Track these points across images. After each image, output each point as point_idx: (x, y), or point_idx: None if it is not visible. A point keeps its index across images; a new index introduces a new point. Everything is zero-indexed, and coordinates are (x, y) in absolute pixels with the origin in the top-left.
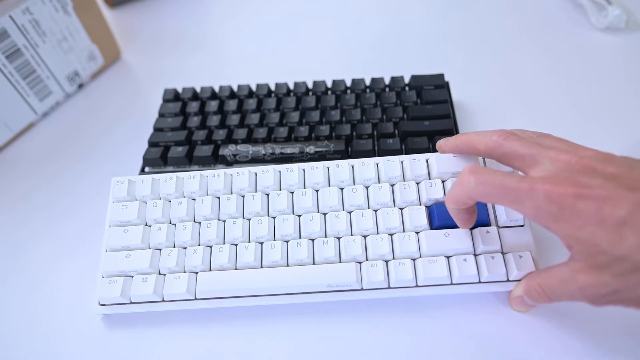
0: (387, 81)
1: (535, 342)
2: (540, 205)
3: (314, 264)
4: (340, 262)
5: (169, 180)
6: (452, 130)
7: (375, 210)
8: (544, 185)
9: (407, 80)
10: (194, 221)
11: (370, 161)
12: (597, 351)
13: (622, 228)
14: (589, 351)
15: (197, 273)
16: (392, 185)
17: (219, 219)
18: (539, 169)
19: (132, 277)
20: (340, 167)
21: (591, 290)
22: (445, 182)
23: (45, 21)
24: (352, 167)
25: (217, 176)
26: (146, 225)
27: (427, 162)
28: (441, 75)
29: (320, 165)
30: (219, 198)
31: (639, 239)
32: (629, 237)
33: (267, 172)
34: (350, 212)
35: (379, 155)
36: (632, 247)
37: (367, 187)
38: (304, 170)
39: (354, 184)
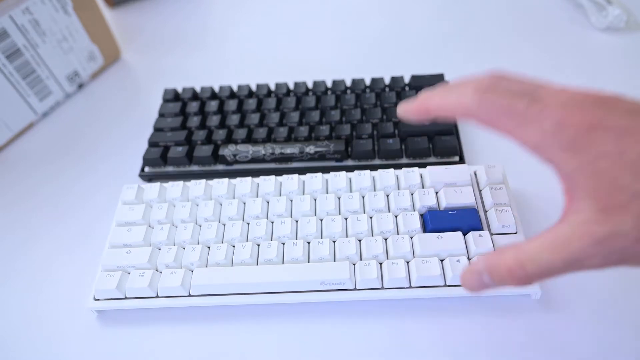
0: (387, 81)
1: (532, 341)
2: (548, 131)
3: (308, 262)
4: (334, 261)
5: (175, 187)
6: (452, 130)
7: (371, 217)
8: (557, 111)
9: (407, 80)
10: (196, 223)
11: (366, 172)
12: (596, 349)
13: None
14: (590, 349)
15: (192, 270)
16: (387, 195)
17: (219, 222)
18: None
19: (130, 273)
20: (338, 177)
21: (608, 243)
22: (438, 193)
23: (45, 21)
24: (350, 180)
25: (221, 183)
26: (149, 226)
27: (420, 175)
28: (441, 75)
29: (319, 175)
30: (221, 204)
31: None
32: None
33: (268, 181)
34: (346, 218)
35: (379, 155)
36: None
37: (363, 197)
38: (304, 182)
39: (351, 192)
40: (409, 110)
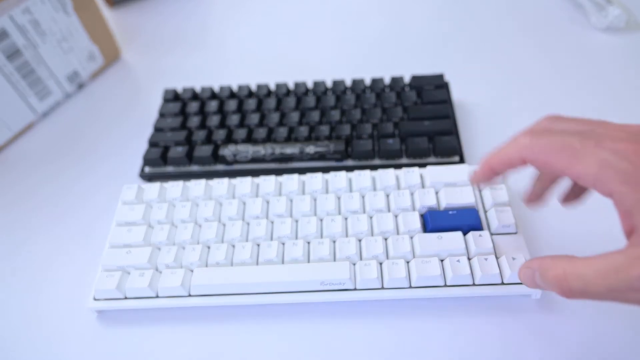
0: (387, 81)
1: (532, 341)
2: (606, 161)
3: (308, 262)
4: (334, 261)
5: (175, 187)
6: (452, 130)
7: (371, 217)
8: (615, 143)
9: (407, 80)
10: (196, 223)
11: (366, 172)
12: (596, 350)
13: None
14: (589, 350)
15: (192, 271)
16: (387, 195)
17: (219, 222)
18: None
19: (130, 273)
20: (338, 177)
21: None
22: (438, 193)
23: (45, 21)
24: (350, 180)
25: (221, 183)
26: (149, 226)
27: (420, 175)
28: (441, 76)
29: (319, 175)
30: (221, 204)
31: None
32: None
33: (268, 181)
34: (346, 218)
35: (379, 155)
36: None
37: (363, 197)
38: (304, 182)
39: (351, 192)
40: (478, 175)
